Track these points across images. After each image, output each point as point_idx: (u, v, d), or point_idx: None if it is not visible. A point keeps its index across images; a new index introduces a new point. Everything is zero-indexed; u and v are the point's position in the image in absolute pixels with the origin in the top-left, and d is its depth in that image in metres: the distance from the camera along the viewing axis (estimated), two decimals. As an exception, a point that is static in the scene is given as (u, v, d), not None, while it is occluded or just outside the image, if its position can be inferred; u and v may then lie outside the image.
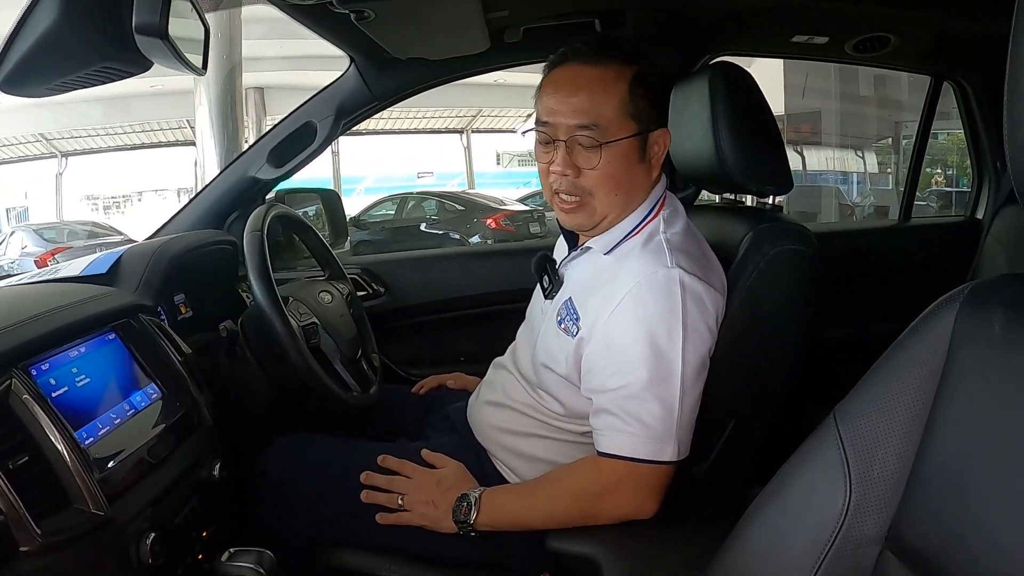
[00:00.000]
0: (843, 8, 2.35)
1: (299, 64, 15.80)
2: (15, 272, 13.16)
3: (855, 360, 2.54)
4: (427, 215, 15.37)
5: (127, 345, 1.63)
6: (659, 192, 1.67)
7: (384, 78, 2.47)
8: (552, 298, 1.75)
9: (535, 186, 21.68)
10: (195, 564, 1.56)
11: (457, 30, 1.91)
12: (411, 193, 16.67)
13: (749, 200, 1.99)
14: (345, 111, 2.45)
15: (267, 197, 2.60)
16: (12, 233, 15.63)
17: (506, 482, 1.76)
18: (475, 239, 14.13)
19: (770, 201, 1.87)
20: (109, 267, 1.89)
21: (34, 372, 1.35)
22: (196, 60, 1.33)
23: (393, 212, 15.74)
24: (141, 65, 1.27)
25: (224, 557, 1.40)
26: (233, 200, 2.50)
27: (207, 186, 2.60)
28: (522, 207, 15.71)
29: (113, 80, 1.31)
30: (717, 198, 2.08)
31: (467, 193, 17.73)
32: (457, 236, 14.37)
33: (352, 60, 2.42)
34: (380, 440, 1.94)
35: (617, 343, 1.52)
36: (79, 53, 1.19)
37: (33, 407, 1.28)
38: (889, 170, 16.80)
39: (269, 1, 1.69)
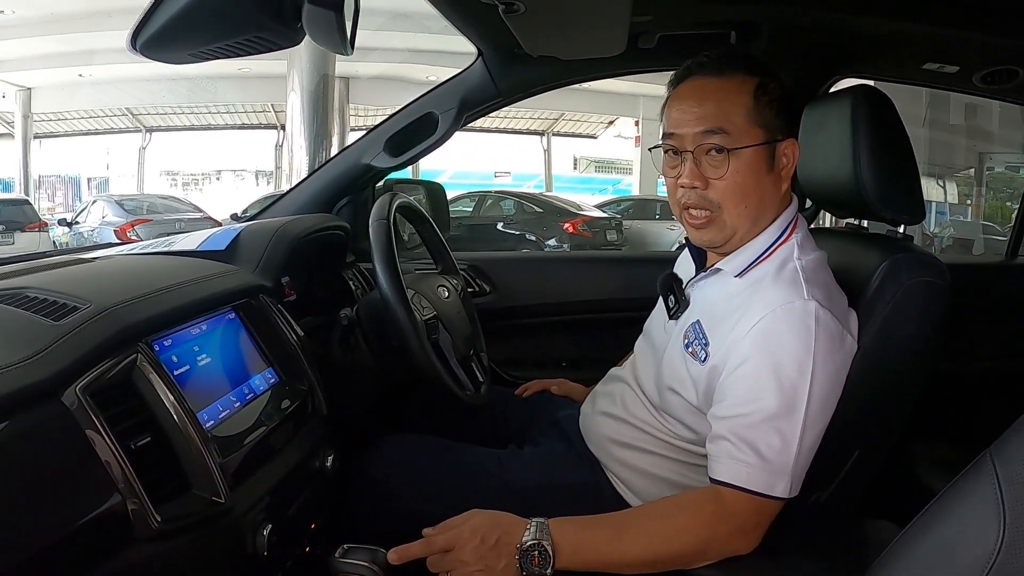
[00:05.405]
0: (978, 39, 2.26)
1: (387, 56, 15.96)
2: (95, 240, 13.48)
3: (955, 394, 2.47)
4: (504, 214, 15.41)
5: (247, 326, 1.60)
6: (791, 213, 1.61)
7: (511, 74, 2.43)
8: (677, 319, 1.69)
9: (612, 193, 21.68)
10: (303, 557, 1.53)
11: (598, 31, 1.86)
12: (490, 191, 16.80)
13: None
14: (468, 104, 2.42)
15: (377, 186, 2.58)
16: (94, 202, 16.02)
17: (620, 496, 1.70)
18: (551, 242, 14.18)
19: (900, 230, 1.79)
20: (228, 244, 1.86)
21: (157, 348, 1.30)
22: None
23: (471, 209, 15.80)
24: (292, 38, 1.25)
25: (338, 553, 1.34)
26: (345, 186, 2.50)
27: (317, 169, 2.59)
28: (600, 214, 15.71)
29: (259, 52, 1.29)
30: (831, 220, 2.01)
31: (545, 195, 17.74)
32: (533, 238, 14.43)
33: (480, 53, 2.38)
34: (484, 443, 1.90)
35: (742, 371, 1.45)
36: (234, 21, 1.17)
37: (157, 384, 1.23)
38: (969, 201, 16.46)
39: None
